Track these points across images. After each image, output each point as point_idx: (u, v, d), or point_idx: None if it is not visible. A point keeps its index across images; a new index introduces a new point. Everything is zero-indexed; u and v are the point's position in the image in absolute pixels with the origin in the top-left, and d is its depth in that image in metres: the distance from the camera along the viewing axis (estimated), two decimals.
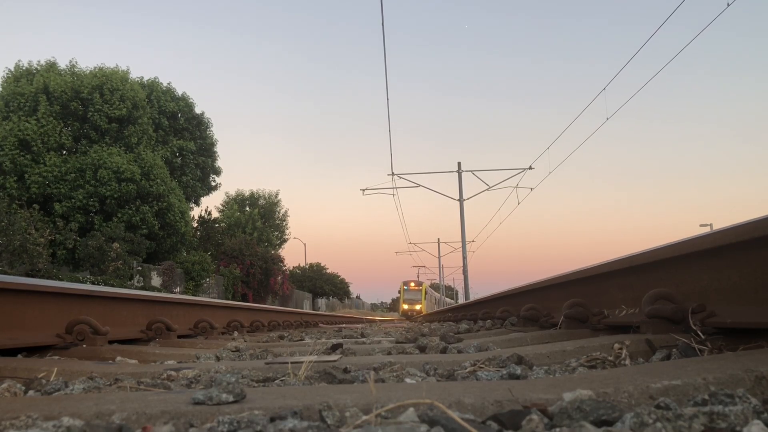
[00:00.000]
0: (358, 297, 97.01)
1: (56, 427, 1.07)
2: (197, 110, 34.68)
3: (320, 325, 13.63)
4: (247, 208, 50.94)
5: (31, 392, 1.95)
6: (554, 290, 4.82)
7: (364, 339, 4.98)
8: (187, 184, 33.21)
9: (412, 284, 58.95)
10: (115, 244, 22.41)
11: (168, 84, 33.83)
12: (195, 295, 20.29)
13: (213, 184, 36.86)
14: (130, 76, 29.45)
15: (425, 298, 57.92)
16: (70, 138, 26.19)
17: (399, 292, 60.06)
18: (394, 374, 2.01)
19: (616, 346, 2.31)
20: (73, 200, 24.42)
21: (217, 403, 1.30)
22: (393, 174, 26.15)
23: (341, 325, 12.95)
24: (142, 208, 25.70)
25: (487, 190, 26.37)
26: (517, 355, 2.19)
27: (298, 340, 5.29)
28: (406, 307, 57.34)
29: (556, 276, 4.77)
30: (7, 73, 27.25)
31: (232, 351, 3.37)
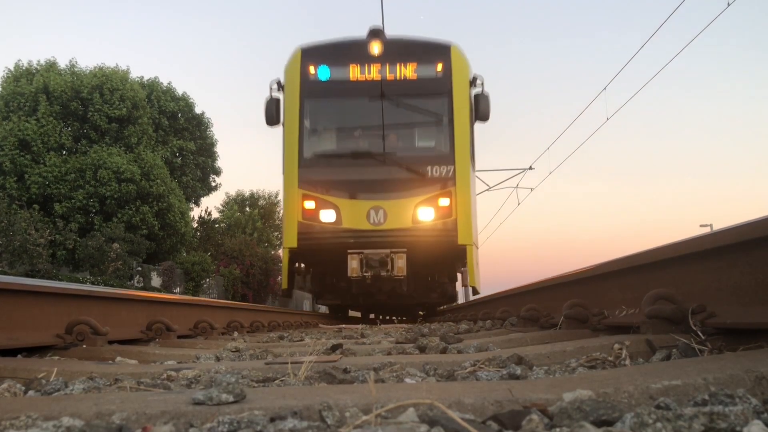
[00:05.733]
0: None
1: (56, 427, 1.08)
2: (197, 110, 34.71)
3: (320, 325, 13.62)
4: (247, 209, 50.89)
5: (31, 392, 1.95)
6: (554, 290, 4.81)
7: (364, 339, 4.98)
8: (187, 185, 33.23)
9: (375, 45, 10.05)
10: (115, 245, 22.42)
11: (168, 84, 33.85)
12: (195, 296, 20.30)
13: (213, 184, 36.90)
14: (130, 76, 29.48)
15: (472, 192, 10.45)
16: (70, 138, 26.21)
17: (283, 122, 10.39)
18: (394, 374, 2.01)
19: (616, 346, 2.31)
20: (73, 200, 24.42)
21: (217, 404, 1.30)
22: None
23: (341, 326, 12.94)
24: (142, 209, 25.71)
25: (487, 190, 26.29)
26: (517, 356, 2.19)
27: (298, 341, 5.29)
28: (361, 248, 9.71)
29: (556, 276, 4.76)
30: (7, 73, 27.28)
31: (232, 351, 3.37)
